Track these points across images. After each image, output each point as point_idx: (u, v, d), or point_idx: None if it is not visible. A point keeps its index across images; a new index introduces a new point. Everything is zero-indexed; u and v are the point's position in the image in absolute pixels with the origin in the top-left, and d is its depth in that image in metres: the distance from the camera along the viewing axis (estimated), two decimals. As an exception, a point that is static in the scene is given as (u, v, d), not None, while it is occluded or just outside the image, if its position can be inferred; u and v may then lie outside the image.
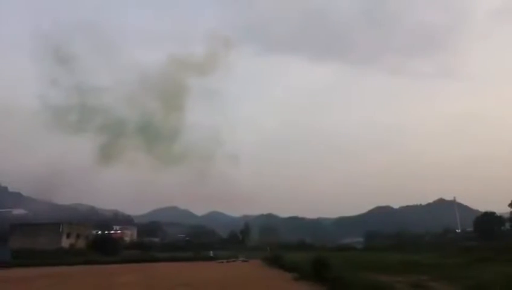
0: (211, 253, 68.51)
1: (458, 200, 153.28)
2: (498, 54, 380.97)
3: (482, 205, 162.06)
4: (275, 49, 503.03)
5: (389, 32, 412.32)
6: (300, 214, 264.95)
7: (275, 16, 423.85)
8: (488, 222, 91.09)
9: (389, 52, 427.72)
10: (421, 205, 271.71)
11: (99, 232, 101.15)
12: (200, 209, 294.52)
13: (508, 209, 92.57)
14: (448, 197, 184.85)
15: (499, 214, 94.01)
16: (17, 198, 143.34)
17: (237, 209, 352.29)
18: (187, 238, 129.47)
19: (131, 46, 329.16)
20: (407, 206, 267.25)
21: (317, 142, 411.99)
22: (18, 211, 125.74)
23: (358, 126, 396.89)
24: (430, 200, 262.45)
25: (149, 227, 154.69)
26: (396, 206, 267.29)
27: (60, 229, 74.04)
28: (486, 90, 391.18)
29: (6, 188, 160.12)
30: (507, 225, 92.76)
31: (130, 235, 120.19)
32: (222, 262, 54.87)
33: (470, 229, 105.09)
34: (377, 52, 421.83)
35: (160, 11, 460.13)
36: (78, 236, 79.05)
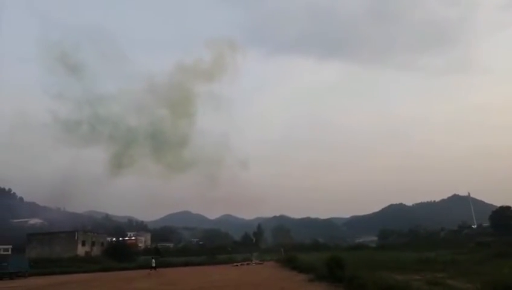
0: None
1: (472, 195, 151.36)
2: (510, 46, 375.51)
3: (497, 200, 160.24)
4: (283, 50, 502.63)
5: (398, 28, 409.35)
6: (312, 215, 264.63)
7: (282, 17, 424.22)
8: (504, 216, 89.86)
9: (399, 48, 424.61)
10: (434, 201, 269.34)
11: (114, 239, 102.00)
12: (212, 213, 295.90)
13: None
14: (462, 192, 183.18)
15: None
16: (33, 208, 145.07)
17: (249, 211, 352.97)
18: (201, 243, 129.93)
19: (139, 54, 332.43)
20: (421, 203, 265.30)
21: (328, 142, 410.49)
22: (34, 221, 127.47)
23: (369, 125, 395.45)
24: (444, 197, 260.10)
25: (162, 232, 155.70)
26: (409, 203, 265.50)
27: (76, 237, 74.96)
28: (500, 82, 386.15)
29: (22, 198, 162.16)
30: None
31: (144, 241, 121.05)
32: (236, 265, 54.91)
33: (486, 224, 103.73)
34: (386, 48, 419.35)
35: (167, 17, 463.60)
36: (93, 244, 79.95)
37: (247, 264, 56.96)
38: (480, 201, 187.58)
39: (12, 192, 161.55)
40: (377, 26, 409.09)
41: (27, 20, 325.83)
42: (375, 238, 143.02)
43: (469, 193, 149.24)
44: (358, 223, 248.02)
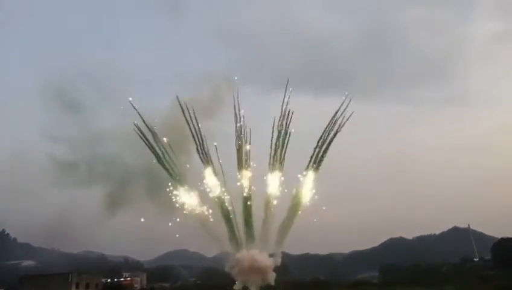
0: None
1: (472, 227, 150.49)
2: (502, 77, 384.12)
3: (496, 231, 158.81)
4: (279, 86, 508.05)
5: (390, 62, 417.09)
6: (311, 251, 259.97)
7: (277, 53, 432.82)
8: (505, 248, 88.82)
9: (392, 82, 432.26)
10: (434, 234, 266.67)
11: (109, 280, 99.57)
12: (210, 251, 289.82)
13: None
14: (461, 224, 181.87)
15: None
16: (27, 249, 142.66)
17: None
18: (198, 282, 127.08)
19: (135, 91, 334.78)
20: (421, 236, 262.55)
21: (325, 176, 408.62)
22: (27, 263, 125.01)
23: (366, 157, 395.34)
24: (444, 229, 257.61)
25: (159, 271, 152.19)
26: (409, 237, 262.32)
27: (69, 279, 73.17)
28: (493, 113, 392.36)
29: (15, 239, 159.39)
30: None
31: (139, 281, 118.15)
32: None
33: (488, 257, 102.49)
34: (379, 82, 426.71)
35: (163, 55, 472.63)
36: (87, 286, 77.88)
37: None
38: (480, 233, 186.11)
39: (6, 233, 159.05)
40: (369, 61, 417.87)
41: (24, 56, 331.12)
42: (376, 273, 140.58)
43: (469, 225, 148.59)
44: (358, 258, 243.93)
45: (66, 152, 73.57)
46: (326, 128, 54.52)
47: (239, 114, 55.45)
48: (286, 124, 54.36)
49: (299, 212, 54.57)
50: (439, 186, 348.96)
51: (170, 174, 54.55)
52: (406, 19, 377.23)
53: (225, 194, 53.84)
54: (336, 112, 53.87)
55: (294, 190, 54.09)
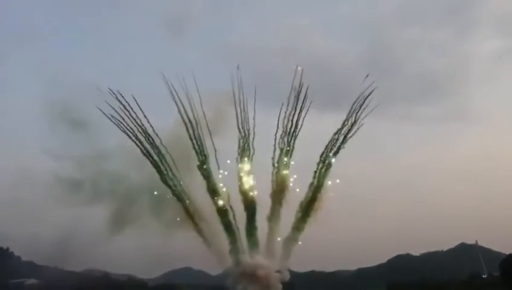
0: None
1: (480, 243, 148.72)
2: (506, 92, 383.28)
3: (505, 247, 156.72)
4: (280, 103, 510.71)
5: (394, 80, 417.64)
6: (318, 268, 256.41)
7: (280, 71, 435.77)
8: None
9: (396, 99, 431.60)
10: (442, 250, 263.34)
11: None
12: (215, 269, 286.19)
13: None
14: (469, 240, 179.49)
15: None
16: (31, 267, 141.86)
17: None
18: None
19: (139, 109, 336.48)
20: (428, 253, 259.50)
21: (330, 192, 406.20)
22: (31, 281, 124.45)
23: (372, 175, 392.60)
24: (451, 245, 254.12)
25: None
26: (416, 253, 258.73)
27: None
28: (500, 129, 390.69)
29: (19, 257, 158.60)
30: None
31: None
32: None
33: (497, 273, 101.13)
34: (383, 99, 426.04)
35: (167, 72, 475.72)
36: (90, 304, 77.47)
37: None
38: (488, 249, 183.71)
39: (10, 251, 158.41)
40: (373, 78, 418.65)
41: (26, 72, 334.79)
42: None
43: (476, 241, 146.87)
44: (365, 275, 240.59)
45: (70, 170, 74.03)
46: (328, 143, 55.00)
47: (243, 124, 56.32)
48: (288, 140, 55.00)
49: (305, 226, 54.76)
50: (445, 202, 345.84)
51: (169, 186, 54.98)
52: (407, 38, 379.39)
53: (229, 203, 54.09)
54: (345, 121, 54.35)
55: (299, 204, 54.29)
